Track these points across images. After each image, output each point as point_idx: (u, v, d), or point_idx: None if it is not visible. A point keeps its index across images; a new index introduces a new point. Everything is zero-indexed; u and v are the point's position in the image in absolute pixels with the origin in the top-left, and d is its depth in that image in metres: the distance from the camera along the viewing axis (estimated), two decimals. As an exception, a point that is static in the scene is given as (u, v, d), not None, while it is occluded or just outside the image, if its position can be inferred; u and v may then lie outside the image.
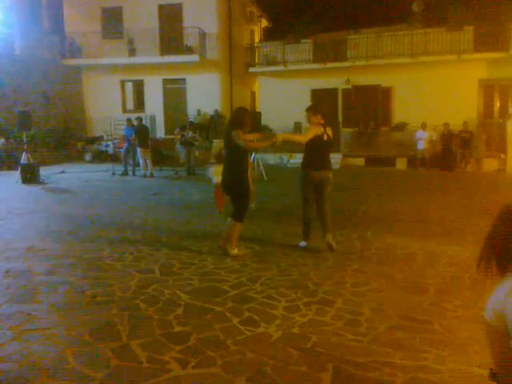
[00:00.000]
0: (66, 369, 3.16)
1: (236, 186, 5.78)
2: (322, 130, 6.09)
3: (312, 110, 6.21)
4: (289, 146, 19.46)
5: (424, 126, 16.92)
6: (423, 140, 16.81)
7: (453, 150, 16.74)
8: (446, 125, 16.77)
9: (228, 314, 4.06)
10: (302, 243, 6.35)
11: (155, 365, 3.21)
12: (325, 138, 6.13)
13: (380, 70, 19.47)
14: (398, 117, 19.64)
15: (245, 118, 5.79)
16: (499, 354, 1.59)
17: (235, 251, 5.88)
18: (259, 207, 9.13)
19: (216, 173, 8.94)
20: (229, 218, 5.95)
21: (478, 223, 7.67)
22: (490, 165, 16.57)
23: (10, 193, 11.45)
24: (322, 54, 20.50)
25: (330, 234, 6.15)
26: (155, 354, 3.36)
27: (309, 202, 6.24)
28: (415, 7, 20.38)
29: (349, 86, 20.17)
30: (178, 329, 3.79)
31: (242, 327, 3.81)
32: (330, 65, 19.96)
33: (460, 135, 16.73)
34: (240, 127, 5.68)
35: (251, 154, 9.51)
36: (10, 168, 15.58)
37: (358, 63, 19.58)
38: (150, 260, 5.72)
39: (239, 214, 5.81)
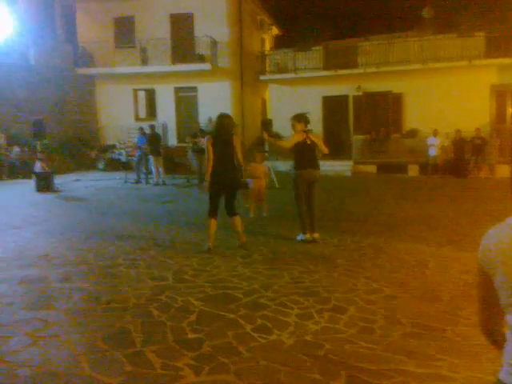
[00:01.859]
0: (81, 375, 3.20)
1: (238, 184, 6.66)
2: (304, 135, 7.06)
3: (296, 119, 7.21)
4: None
5: (436, 133, 16.85)
6: (435, 146, 16.73)
7: (465, 156, 16.64)
8: (458, 131, 16.69)
9: (241, 321, 4.08)
10: (301, 236, 7.13)
11: (169, 371, 3.24)
12: (308, 142, 7.05)
13: (391, 77, 19.46)
14: (409, 123, 19.60)
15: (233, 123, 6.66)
16: (482, 301, 1.62)
17: None
18: (271, 214, 9.17)
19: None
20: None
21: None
22: (504, 171, 16.43)
23: (25, 201, 11.60)
24: (332, 61, 20.55)
25: (317, 233, 7.15)
26: (169, 360, 3.39)
27: (302, 198, 7.06)
28: (426, 13, 20.38)
29: (360, 93, 20.17)
30: (191, 335, 3.81)
31: (254, 334, 3.83)
32: (340, 72, 19.99)
33: (472, 141, 16.65)
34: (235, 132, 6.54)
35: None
36: (25, 176, 15.79)
37: (368, 70, 19.59)
38: (163, 267, 5.76)
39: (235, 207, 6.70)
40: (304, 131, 7.12)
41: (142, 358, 3.44)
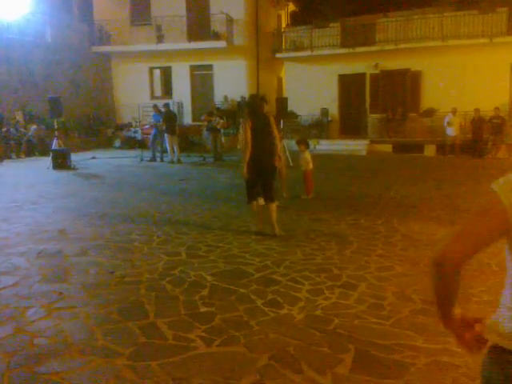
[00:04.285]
0: (96, 345, 3.29)
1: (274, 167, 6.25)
2: None
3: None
4: (315, 132, 19.45)
5: (454, 111, 16.57)
6: (453, 125, 16.47)
7: (483, 136, 16.38)
8: (477, 110, 16.39)
9: (252, 296, 4.14)
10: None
11: (181, 342, 3.31)
12: None
13: (409, 54, 19.09)
14: (427, 102, 19.27)
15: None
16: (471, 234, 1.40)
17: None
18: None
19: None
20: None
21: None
22: (523, 151, 16.17)
23: (42, 178, 11.76)
24: (349, 39, 20.20)
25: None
26: (181, 332, 3.46)
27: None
28: (446, -11, 19.85)
29: (377, 71, 19.86)
30: (203, 309, 3.89)
31: (265, 309, 3.88)
32: (358, 49, 19.66)
33: (491, 121, 16.35)
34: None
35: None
36: (42, 154, 15.98)
37: (386, 47, 19.23)
38: (177, 243, 5.84)
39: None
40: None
41: (154, 329, 3.52)
